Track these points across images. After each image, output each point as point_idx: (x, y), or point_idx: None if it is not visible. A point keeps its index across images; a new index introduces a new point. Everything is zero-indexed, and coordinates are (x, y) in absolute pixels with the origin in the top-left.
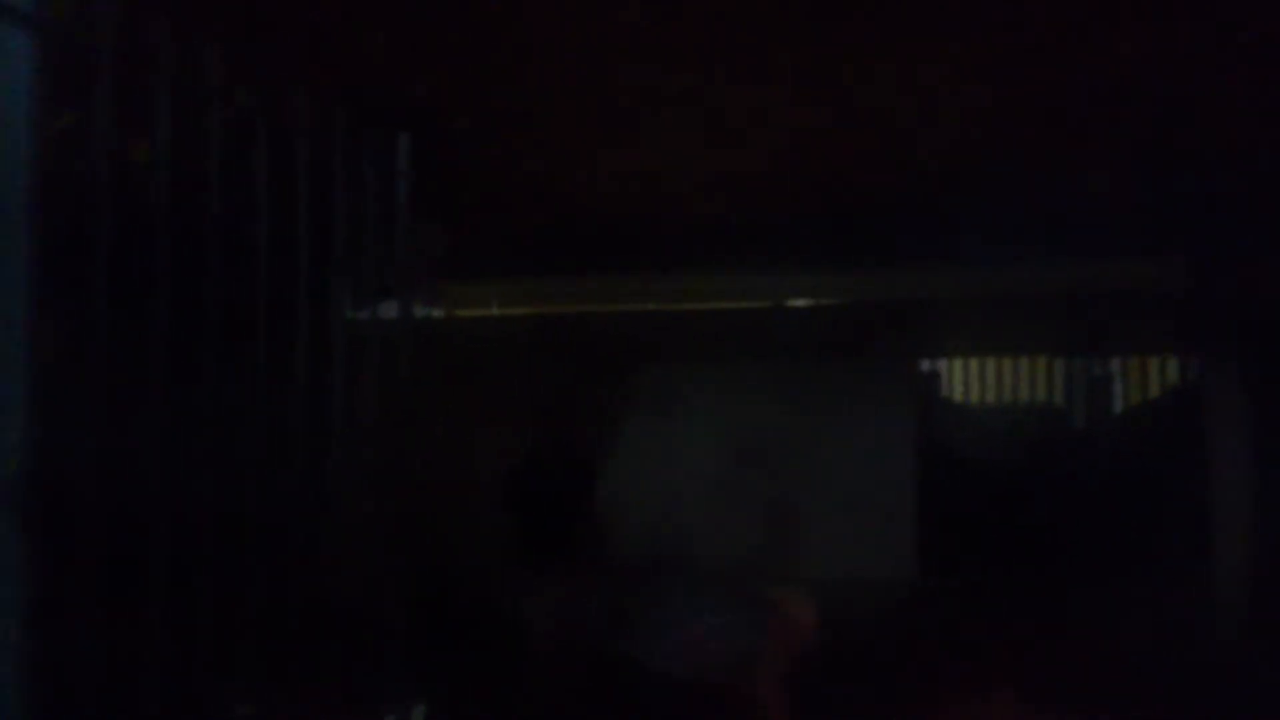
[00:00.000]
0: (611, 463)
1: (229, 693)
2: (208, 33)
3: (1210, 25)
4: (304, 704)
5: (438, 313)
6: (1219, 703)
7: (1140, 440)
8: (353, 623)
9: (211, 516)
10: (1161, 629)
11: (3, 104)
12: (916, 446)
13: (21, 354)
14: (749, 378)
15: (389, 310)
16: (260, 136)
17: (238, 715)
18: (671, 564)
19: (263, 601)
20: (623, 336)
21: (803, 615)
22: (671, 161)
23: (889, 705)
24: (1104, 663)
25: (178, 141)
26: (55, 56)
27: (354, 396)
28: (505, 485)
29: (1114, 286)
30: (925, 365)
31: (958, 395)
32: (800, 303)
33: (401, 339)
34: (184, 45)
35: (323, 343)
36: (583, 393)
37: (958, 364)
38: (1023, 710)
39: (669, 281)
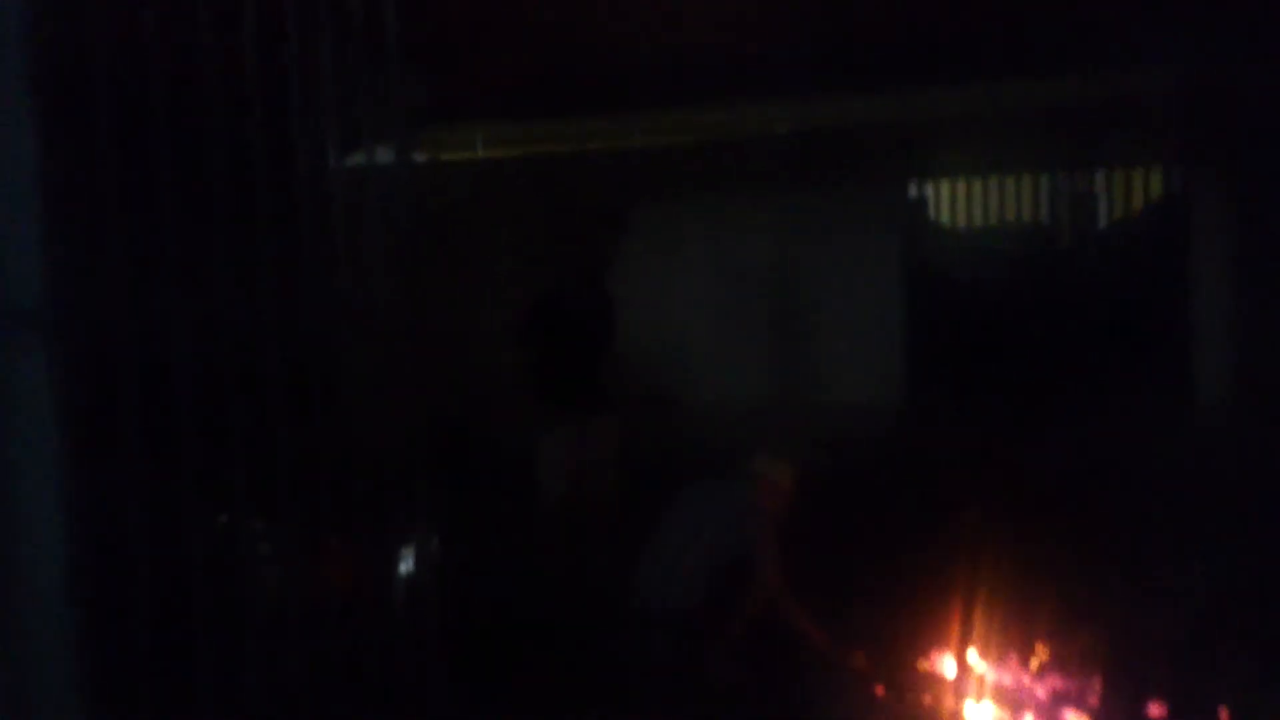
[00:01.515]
0: (611, 301)
1: (251, 530)
2: None
3: None
4: (324, 539)
5: (422, 158)
6: (1198, 510)
7: (1124, 255)
8: (370, 462)
9: (229, 359)
10: (1144, 440)
11: None
12: (904, 270)
13: (33, 188)
14: (739, 209)
15: (384, 156)
16: None
17: (259, 551)
18: (675, 401)
19: (283, 439)
20: (615, 174)
21: (782, 480)
22: None
23: (883, 529)
24: (1089, 477)
25: None
26: None
27: (357, 242)
28: (513, 326)
29: (1096, 99)
30: (912, 189)
31: (944, 218)
32: (787, 132)
33: (399, 184)
34: None
35: (319, 188)
36: (578, 234)
37: (945, 186)
38: (1008, 528)
39: (656, 118)
